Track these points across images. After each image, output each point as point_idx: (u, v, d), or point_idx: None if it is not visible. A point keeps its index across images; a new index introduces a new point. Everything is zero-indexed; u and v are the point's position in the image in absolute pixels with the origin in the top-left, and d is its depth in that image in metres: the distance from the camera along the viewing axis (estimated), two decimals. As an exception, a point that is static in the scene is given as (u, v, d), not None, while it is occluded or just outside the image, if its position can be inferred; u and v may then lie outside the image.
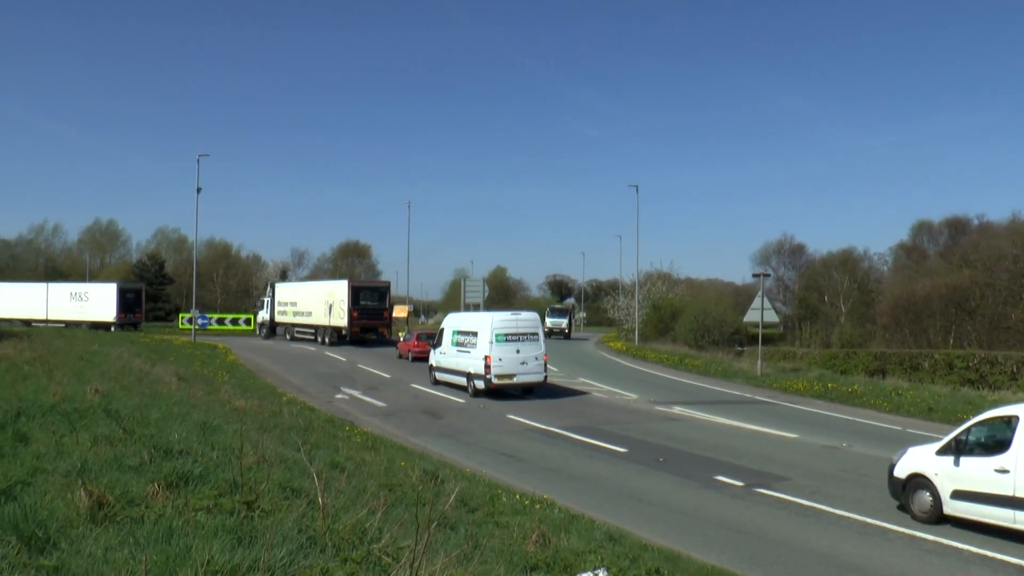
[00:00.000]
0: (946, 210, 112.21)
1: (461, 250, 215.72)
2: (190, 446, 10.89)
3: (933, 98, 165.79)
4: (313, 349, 53.77)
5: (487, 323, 30.92)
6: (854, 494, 15.67)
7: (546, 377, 31.80)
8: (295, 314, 59.74)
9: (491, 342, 30.07)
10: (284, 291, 63.18)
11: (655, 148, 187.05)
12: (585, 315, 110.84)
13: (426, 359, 37.76)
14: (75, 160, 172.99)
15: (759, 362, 40.81)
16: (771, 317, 39.91)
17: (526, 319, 31.80)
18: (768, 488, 16.10)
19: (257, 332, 65.05)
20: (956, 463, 13.55)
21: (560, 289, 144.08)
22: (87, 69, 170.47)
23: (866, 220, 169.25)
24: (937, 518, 13.66)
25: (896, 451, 15.49)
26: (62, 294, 68.91)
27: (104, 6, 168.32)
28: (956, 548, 12.11)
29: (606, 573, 8.67)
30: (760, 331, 40.53)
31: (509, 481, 15.86)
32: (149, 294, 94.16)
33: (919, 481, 14.15)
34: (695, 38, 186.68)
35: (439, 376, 34.42)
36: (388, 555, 6.78)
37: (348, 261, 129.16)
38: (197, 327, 60.21)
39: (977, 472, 13.15)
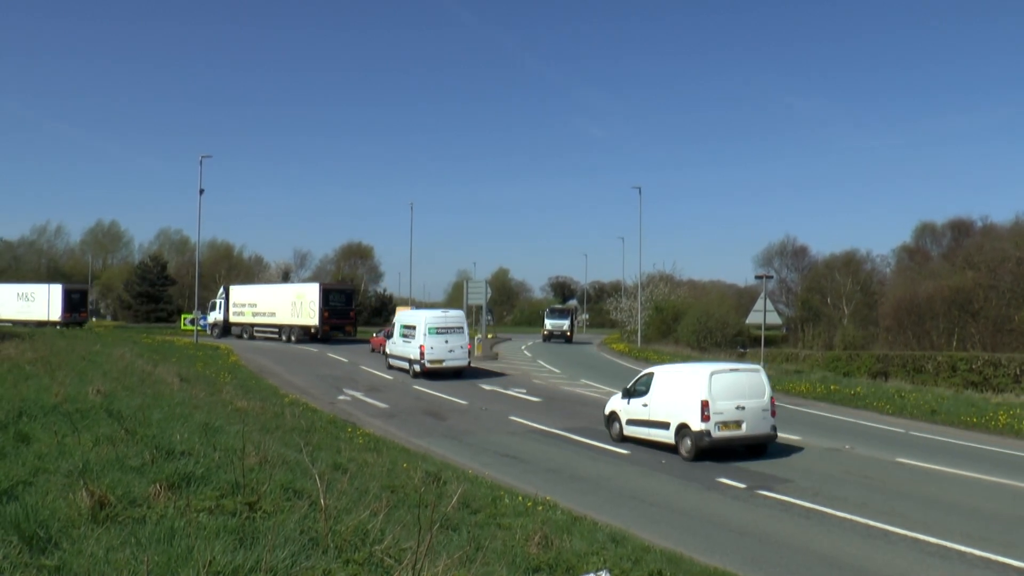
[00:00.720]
0: (949, 212, 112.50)
1: (464, 251, 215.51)
2: (192, 447, 10.88)
3: (937, 98, 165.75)
4: (315, 350, 53.91)
5: (422, 319, 38.16)
6: (857, 496, 15.65)
7: (470, 363, 38.87)
8: (254, 315, 62.41)
9: (425, 334, 37.26)
10: (241, 293, 65.54)
11: (658, 149, 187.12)
12: (588, 317, 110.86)
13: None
14: (77, 161, 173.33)
15: (761, 364, 40.77)
16: (774, 319, 39.89)
17: (453, 315, 39.28)
18: (770, 490, 16.07)
19: (209, 332, 65.91)
20: (628, 403, 22.07)
21: (562, 291, 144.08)
22: (89, 69, 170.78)
23: (869, 222, 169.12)
24: (621, 437, 21.95)
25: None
26: (9, 294, 71.84)
27: (106, 6, 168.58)
28: (959, 551, 12.08)
29: (608, 575, 8.66)
30: (763, 333, 40.49)
31: (511, 482, 15.85)
32: (151, 295, 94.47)
33: (612, 415, 22.69)
34: (700, 38, 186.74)
35: (391, 362, 41.41)
36: (390, 557, 6.77)
37: (350, 262, 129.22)
38: (199, 328, 60.29)
39: (635, 407, 21.70)
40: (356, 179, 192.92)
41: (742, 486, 16.44)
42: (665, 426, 20.48)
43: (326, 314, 56.69)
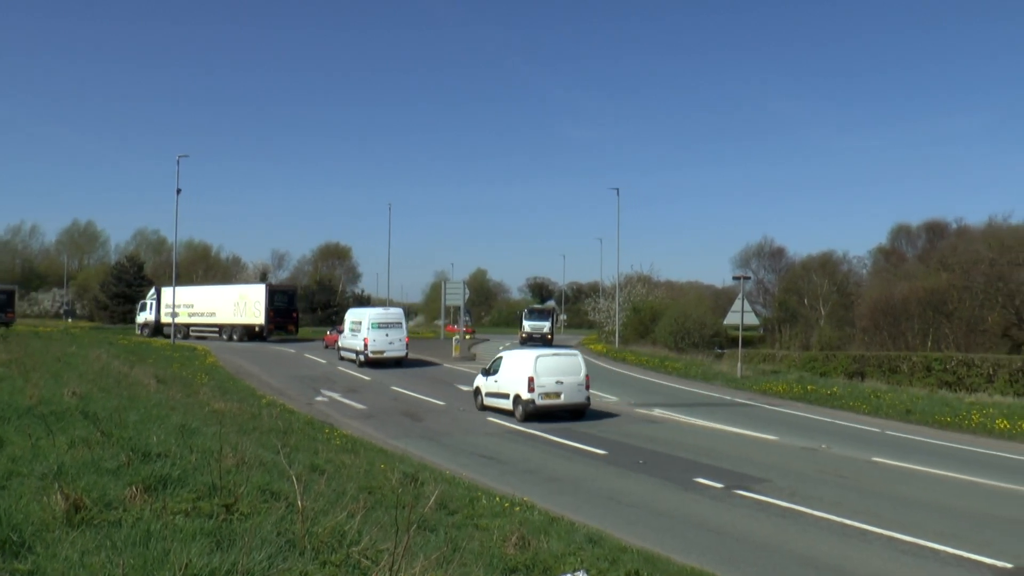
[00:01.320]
0: (924, 214, 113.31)
1: (442, 252, 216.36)
2: (169, 449, 10.81)
3: (913, 103, 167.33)
4: (292, 351, 53.88)
5: (367, 316, 45.26)
6: (833, 495, 15.75)
7: (407, 354, 45.34)
8: (191, 315, 65.13)
9: (369, 328, 43.94)
10: (176, 295, 65.96)
11: (638, 151, 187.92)
12: (566, 318, 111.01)
13: None
14: (53, 160, 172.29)
15: (739, 364, 40.99)
16: (751, 320, 40.11)
17: (393, 313, 46.59)
18: (747, 490, 16.15)
19: (139, 332, 67.17)
20: (486, 380, 28.20)
21: (541, 291, 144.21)
22: (66, 68, 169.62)
23: (845, 223, 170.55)
24: (482, 407, 28.05)
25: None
26: None
27: (82, 5, 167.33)
28: (933, 549, 12.18)
29: (586, 575, 8.68)
30: (740, 334, 40.72)
31: (489, 483, 15.86)
32: (127, 296, 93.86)
33: (477, 390, 28.91)
34: (681, 41, 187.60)
35: (343, 353, 47.64)
36: (367, 558, 6.76)
37: (328, 263, 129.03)
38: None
39: (490, 383, 27.75)
40: (335, 180, 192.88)
41: (719, 486, 16.51)
42: (507, 396, 26.62)
43: (271, 313, 60.19)
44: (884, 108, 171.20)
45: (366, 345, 43.44)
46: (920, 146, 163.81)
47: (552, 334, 69.10)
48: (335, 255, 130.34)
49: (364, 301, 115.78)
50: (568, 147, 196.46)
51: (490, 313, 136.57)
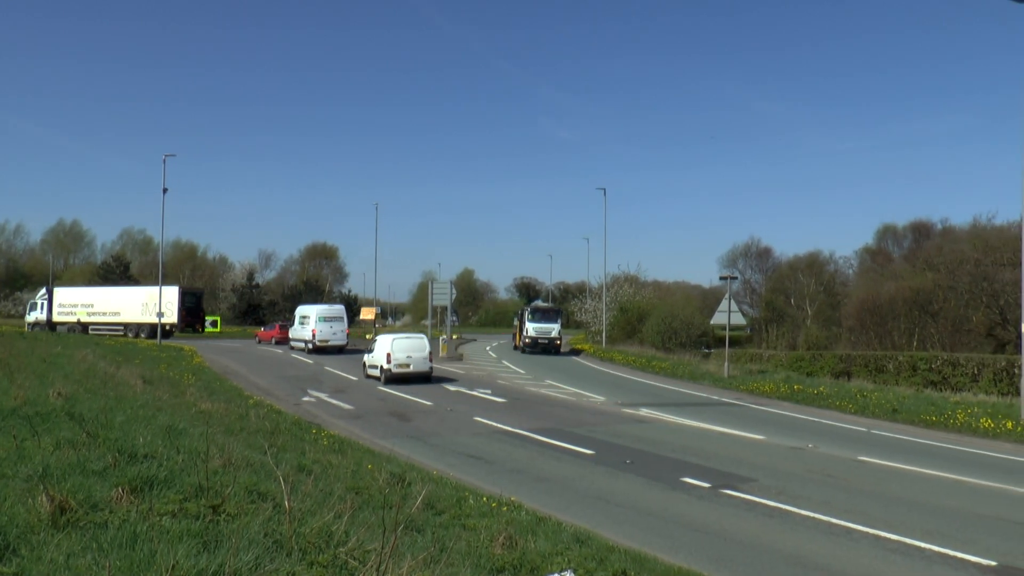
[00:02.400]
0: (910, 214, 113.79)
1: (429, 252, 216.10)
2: (155, 450, 10.78)
3: (899, 104, 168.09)
4: (280, 352, 53.90)
5: (314, 311, 55.06)
6: (820, 495, 15.81)
7: (347, 343, 54.43)
8: (90, 314, 68.74)
9: (316, 321, 53.37)
10: (69, 295, 71.52)
11: (626, 151, 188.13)
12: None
13: (284, 342, 60.68)
14: (38, 159, 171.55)
15: (726, 364, 41.10)
16: (738, 320, 40.24)
17: (336, 309, 57.32)
18: (735, 489, 16.19)
19: (28, 330, 67.68)
20: (367, 356, 38.27)
21: (528, 291, 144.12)
22: (51, 66, 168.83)
23: (832, 224, 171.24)
24: (366, 376, 37.43)
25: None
26: None
27: (67, 5, 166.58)
28: (920, 547, 12.24)
29: (573, 575, 8.69)
30: (727, 333, 40.83)
31: (476, 483, 15.84)
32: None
33: (363, 364, 38.47)
34: (667, 42, 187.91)
35: (293, 344, 56.92)
36: (354, 558, 6.76)
37: (315, 262, 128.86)
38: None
39: (369, 358, 37.86)
40: (322, 180, 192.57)
41: (707, 485, 16.54)
42: (377, 367, 37.02)
43: (183, 313, 65.54)
44: (870, 109, 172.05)
45: (314, 335, 52.86)
46: (906, 147, 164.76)
47: (561, 339, 58.73)
48: (322, 255, 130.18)
49: (351, 301, 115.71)
50: (555, 147, 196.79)
51: (477, 313, 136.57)
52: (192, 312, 67.87)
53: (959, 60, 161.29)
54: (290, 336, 57.95)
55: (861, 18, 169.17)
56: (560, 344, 57.42)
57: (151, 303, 63.77)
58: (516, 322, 63.17)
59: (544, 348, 56.05)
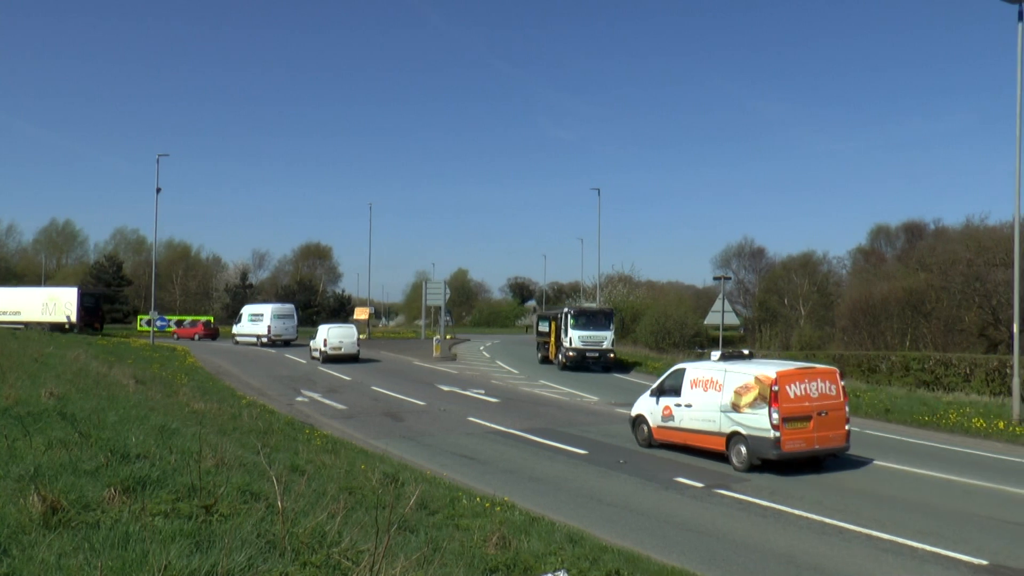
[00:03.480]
0: (903, 214, 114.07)
1: (423, 252, 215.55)
2: (148, 450, 10.75)
3: (893, 104, 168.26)
4: (273, 352, 53.89)
5: (269, 310, 61.98)
6: (812, 495, 15.83)
7: (296, 336, 61.76)
8: None
9: (271, 318, 60.43)
10: None
11: (621, 151, 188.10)
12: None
13: (210, 338, 68.98)
14: (31, 158, 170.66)
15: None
16: (731, 320, 40.22)
17: (288, 307, 64.36)
18: (728, 489, 16.22)
19: None
20: (311, 342, 50.07)
21: (522, 291, 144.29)
22: (44, 65, 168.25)
23: (825, 224, 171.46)
24: (311, 359, 47.79)
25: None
26: None
27: (59, 3, 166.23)
28: (912, 547, 12.27)
29: (566, 575, 8.69)
30: (720, 333, 40.83)
31: (469, 483, 15.85)
32: (106, 296, 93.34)
33: (310, 348, 50.19)
34: (662, 43, 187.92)
35: (239, 339, 63.02)
36: (348, 559, 6.74)
37: (309, 262, 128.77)
38: (156, 329, 60.14)
39: (312, 344, 49.69)
40: (316, 179, 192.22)
41: (700, 485, 16.57)
42: (317, 350, 46.39)
43: (82, 312, 66.32)
44: (864, 110, 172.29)
45: (269, 330, 60.07)
46: (899, 148, 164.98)
47: (614, 350, 45.59)
48: (316, 255, 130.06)
49: (345, 301, 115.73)
50: (550, 147, 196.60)
51: (471, 313, 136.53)
52: (91, 312, 68.96)
53: (953, 61, 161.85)
54: (236, 332, 64.33)
55: (855, 19, 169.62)
56: (614, 358, 44.91)
57: (51, 303, 66.50)
58: (545, 328, 49.12)
59: (594, 362, 43.83)
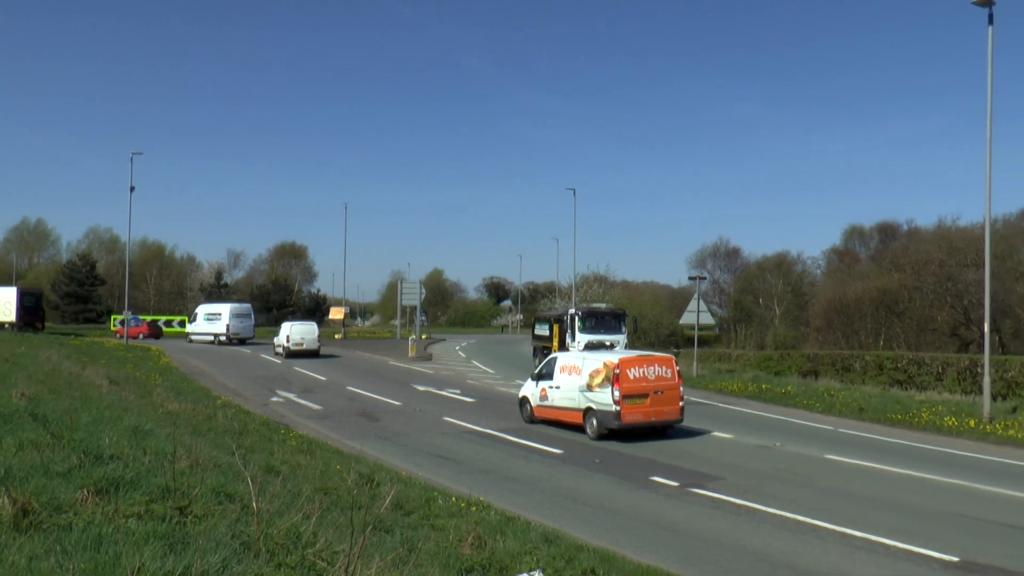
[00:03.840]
0: (877, 215, 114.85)
1: (399, 252, 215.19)
2: (121, 451, 10.68)
3: (867, 106, 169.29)
4: (248, 352, 53.65)
5: (227, 309, 64.13)
6: (787, 493, 15.93)
7: (253, 335, 64.71)
8: None
9: (230, 318, 62.57)
10: None
11: (595, 151, 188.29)
12: (521, 317, 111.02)
13: (156, 338, 68.31)
14: (1, 155, 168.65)
15: (695, 364, 41.27)
16: (707, 319, 40.44)
17: (246, 307, 67.32)
18: (703, 488, 16.28)
19: None
20: (276, 339, 53.40)
21: (497, 291, 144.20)
22: (15, 62, 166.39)
23: (800, 224, 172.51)
24: (275, 354, 50.92)
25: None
26: None
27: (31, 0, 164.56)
28: (884, 544, 12.37)
29: (542, 574, 8.70)
30: (696, 333, 41.02)
31: (445, 483, 15.85)
32: (79, 295, 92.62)
33: (274, 343, 53.42)
34: (638, 43, 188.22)
35: (193, 337, 64.69)
36: (323, 559, 6.73)
37: (284, 262, 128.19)
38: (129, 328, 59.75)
39: (276, 340, 53.20)
40: (291, 179, 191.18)
41: (675, 484, 16.63)
42: (280, 346, 49.65)
43: (21, 312, 66.88)
44: (838, 111, 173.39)
45: (228, 329, 62.39)
46: (873, 149, 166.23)
47: None
48: (291, 254, 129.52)
49: (320, 301, 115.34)
50: (526, 147, 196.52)
51: (447, 313, 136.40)
52: (31, 311, 68.97)
53: (926, 64, 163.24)
54: (190, 331, 66.18)
55: (830, 22, 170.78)
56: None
57: None
58: (545, 331, 44.86)
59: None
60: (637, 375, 21.88)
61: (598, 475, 17.66)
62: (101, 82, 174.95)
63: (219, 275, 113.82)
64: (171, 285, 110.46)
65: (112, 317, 76.80)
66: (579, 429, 22.66)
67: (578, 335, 39.23)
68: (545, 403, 24.35)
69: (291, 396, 31.03)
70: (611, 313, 42.32)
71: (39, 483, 8.06)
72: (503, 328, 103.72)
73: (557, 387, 23.79)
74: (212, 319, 64.05)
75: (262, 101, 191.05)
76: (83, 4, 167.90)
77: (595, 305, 47.13)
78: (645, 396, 21.70)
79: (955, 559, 11.67)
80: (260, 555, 6.70)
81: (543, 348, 43.00)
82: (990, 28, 24.64)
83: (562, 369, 23.88)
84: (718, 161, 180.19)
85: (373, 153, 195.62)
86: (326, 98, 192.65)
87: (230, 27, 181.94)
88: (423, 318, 65.59)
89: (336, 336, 76.29)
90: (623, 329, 40.70)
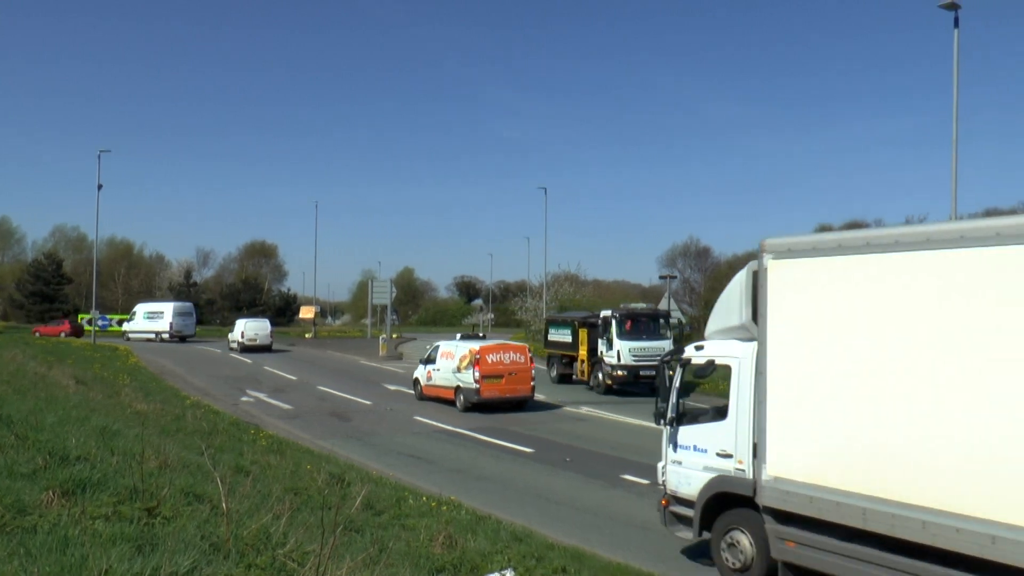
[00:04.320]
0: (845, 214, 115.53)
1: (370, 251, 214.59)
2: (88, 452, 10.56)
3: (835, 106, 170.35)
4: (218, 351, 53.34)
5: (170, 307, 66.62)
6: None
7: (194, 333, 68.46)
8: None
9: (173, 316, 64.91)
10: None
11: (567, 150, 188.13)
12: (492, 316, 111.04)
13: (77, 336, 64.16)
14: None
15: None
16: (677, 318, 40.52)
17: (187, 306, 69.91)
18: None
19: None
20: (230, 335, 58.77)
21: (468, 290, 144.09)
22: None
23: (770, 223, 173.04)
24: (229, 350, 54.11)
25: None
26: None
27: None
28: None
29: (513, 573, 8.72)
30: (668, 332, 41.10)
31: (416, 483, 15.84)
32: (45, 294, 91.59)
33: (228, 340, 58.71)
34: (609, 42, 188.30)
35: (131, 335, 65.05)
36: (293, 560, 6.70)
37: (254, 261, 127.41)
38: (97, 328, 59.13)
39: (231, 336, 58.36)
40: (262, 177, 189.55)
41: (646, 482, 16.68)
42: (235, 342, 52.68)
43: None
44: (808, 111, 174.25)
45: (171, 327, 64.34)
46: (842, 149, 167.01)
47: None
48: (261, 253, 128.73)
49: (291, 300, 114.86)
50: (498, 146, 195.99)
51: (418, 312, 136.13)
52: None
53: (894, 65, 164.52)
54: (128, 330, 67.32)
55: (801, 24, 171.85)
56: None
57: None
58: (565, 336, 38.74)
59: (648, 383, 30.65)
60: (495, 360, 27.13)
61: (569, 473, 17.71)
62: (67, 79, 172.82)
63: (188, 274, 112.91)
64: (139, 284, 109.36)
65: (79, 316, 75.86)
66: (452, 403, 27.83)
67: (617, 342, 33.03)
68: (430, 383, 29.64)
69: (261, 396, 30.87)
70: (651, 315, 35.85)
71: (3, 485, 7.95)
72: (474, 327, 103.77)
73: (438, 370, 29.11)
74: (153, 317, 66.12)
75: (231, 100, 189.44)
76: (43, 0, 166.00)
77: (635, 306, 40.16)
78: (501, 377, 27.07)
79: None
80: (230, 556, 6.66)
81: (562, 358, 38.30)
82: (956, 31, 24.97)
83: (442, 355, 29.10)
84: (689, 160, 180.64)
85: (344, 152, 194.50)
86: (297, 96, 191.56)
87: (198, 26, 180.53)
88: (394, 317, 65.38)
89: (307, 335, 75.93)
90: (669, 334, 34.53)
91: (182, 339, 64.90)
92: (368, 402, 29.50)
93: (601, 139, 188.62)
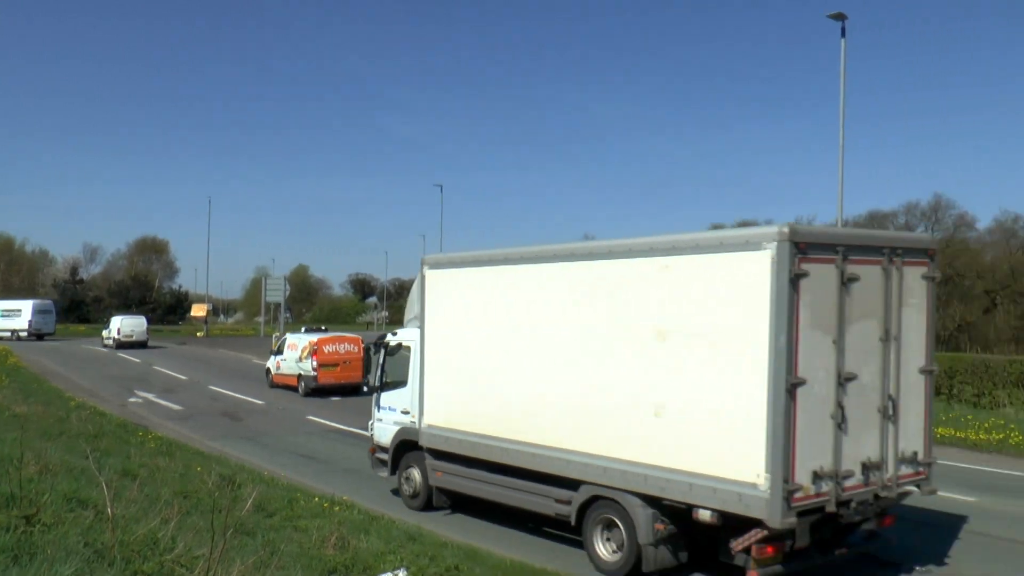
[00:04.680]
0: (737, 215, 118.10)
1: (263, 248, 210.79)
2: (-40, 458, 10.23)
3: (729, 109, 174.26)
4: (105, 351, 51.93)
5: (29, 305, 66.43)
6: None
7: (54, 331, 68.16)
8: None
9: (33, 313, 65.52)
10: None
11: (464, 148, 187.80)
12: (388, 314, 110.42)
13: None
14: None
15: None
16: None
17: (48, 303, 70.51)
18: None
19: None
20: (104, 331, 58.03)
21: (363, 288, 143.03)
22: None
23: (665, 224, 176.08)
24: (104, 346, 55.08)
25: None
26: None
27: None
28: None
29: (406, 573, 8.78)
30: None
31: (309, 483, 15.72)
32: None
33: (102, 337, 57.71)
34: (507, 41, 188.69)
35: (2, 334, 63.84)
36: (182, 565, 6.65)
37: (145, 257, 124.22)
38: None
39: (105, 333, 58.07)
40: (152, 173, 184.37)
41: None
42: (111, 338, 53.82)
43: None
44: (702, 114, 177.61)
45: (30, 325, 64.78)
46: (734, 151, 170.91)
47: None
48: (152, 249, 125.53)
49: (182, 297, 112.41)
50: (392, 142, 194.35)
51: (312, 310, 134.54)
52: None
53: (784, 71, 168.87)
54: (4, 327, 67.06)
55: (695, 25, 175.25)
56: None
57: None
58: None
59: None
60: (331, 350, 30.67)
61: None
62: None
63: (74, 270, 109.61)
64: (21, 281, 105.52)
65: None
66: (295, 389, 31.18)
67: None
68: (278, 372, 32.98)
69: (151, 396, 30.20)
70: None
71: None
72: (368, 325, 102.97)
73: (285, 360, 32.41)
74: (10, 315, 66.10)
75: (120, 93, 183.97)
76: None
77: None
78: (336, 365, 30.38)
79: None
80: (115, 563, 6.56)
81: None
82: (843, 40, 26.07)
83: (288, 347, 32.44)
84: (583, 161, 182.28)
85: (238, 148, 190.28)
86: (188, 91, 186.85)
87: (86, 18, 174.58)
88: (288, 315, 64.58)
89: (199, 334, 74.44)
90: None
91: (39, 337, 64.61)
92: (260, 401, 29.15)
93: (498, 138, 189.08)
